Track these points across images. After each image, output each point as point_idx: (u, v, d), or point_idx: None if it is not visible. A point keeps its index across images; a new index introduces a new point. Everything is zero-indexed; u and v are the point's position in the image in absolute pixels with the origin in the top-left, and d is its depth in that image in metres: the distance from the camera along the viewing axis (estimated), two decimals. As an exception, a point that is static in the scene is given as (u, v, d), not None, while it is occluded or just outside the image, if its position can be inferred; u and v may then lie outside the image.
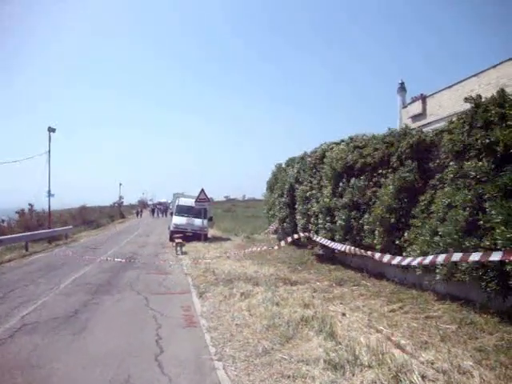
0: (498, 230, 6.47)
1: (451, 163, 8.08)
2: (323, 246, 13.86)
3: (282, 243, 13.09)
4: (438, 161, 8.72)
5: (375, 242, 10.32)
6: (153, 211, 73.10)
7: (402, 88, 23.70)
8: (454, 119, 8.21)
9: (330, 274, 12.03)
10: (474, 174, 7.22)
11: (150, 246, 23.38)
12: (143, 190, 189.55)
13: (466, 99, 7.97)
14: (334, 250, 12.95)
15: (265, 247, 14.86)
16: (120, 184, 79.53)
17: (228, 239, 25.43)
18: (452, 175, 7.97)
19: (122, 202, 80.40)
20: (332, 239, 12.66)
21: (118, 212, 66.61)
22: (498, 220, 6.50)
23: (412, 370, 4.94)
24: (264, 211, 26.12)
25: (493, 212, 6.65)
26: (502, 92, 7.36)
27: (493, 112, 7.15)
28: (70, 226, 30.40)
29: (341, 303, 8.62)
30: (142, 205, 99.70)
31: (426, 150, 9.29)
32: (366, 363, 5.24)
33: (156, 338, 6.84)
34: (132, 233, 33.54)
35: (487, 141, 7.08)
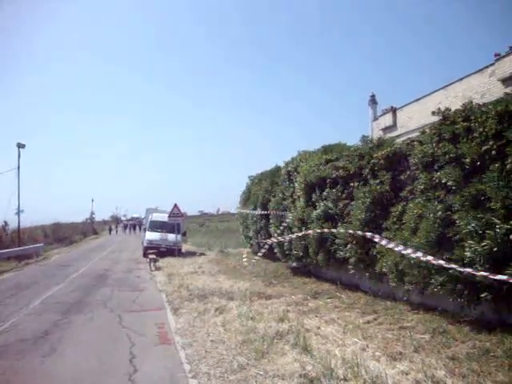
0: (466, 244, 6.59)
1: (421, 175, 8.18)
2: (297, 259, 13.88)
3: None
4: (408, 172, 8.81)
5: (348, 254, 10.36)
6: (125, 227, 72.41)
7: (373, 100, 24.11)
8: (427, 130, 8.31)
9: (305, 286, 12.05)
10: (445, 180, 7.31)
11: (124, 262, 23.05)
12: (116, 205, 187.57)
13: (433, 112, 8.12)
14: (308, 263, 13.00)
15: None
16: (92, 200, 78.71)
17: (202, 254, 25.27)
18: (422, 187, 8.07)
19: (94, 218, 79.39)
20: (306, 251, 12.70)
21: (90, 228, 65.70)
22: (466, 231, 6.61)
23: (386, 381, 4.97)
24: (239, 224, 26.10)
25: (461, 223, 6.76)
26: (468, 105, 7.51)
27: (459, 126, 7.30)
28: (41, 244, 29.73)
29: (316, 316, 8.61)
30: (116, 220, 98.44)
31: (399, 160, 9.33)
32: (342, 376, 5.24)
33: (130, 356, 6.71)
34: (105, 249, 32.99)
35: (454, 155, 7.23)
